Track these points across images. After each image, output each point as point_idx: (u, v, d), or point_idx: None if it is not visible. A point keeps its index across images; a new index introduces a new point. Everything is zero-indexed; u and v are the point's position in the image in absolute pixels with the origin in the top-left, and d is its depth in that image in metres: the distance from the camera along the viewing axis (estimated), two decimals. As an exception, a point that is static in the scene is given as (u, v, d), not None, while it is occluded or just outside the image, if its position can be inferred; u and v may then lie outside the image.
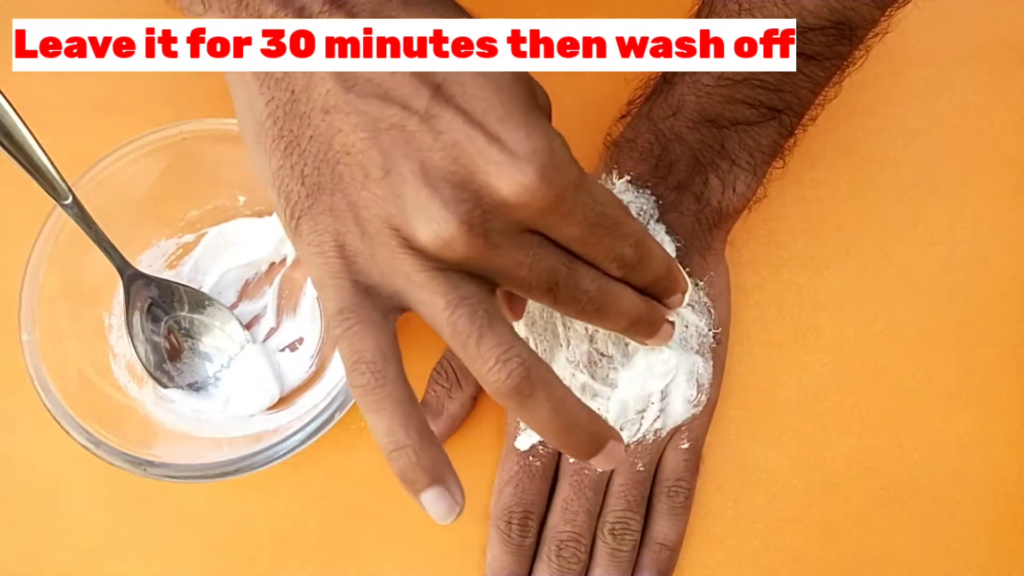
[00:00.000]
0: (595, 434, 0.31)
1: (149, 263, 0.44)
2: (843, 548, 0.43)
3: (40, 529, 0.43)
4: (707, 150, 0.41)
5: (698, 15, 0.42)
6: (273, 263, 0.46)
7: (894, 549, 0.43)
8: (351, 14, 0.29)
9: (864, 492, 0.43)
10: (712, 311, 0.42)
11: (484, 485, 0.43)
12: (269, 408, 0.43)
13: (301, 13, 0.30)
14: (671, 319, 0.36)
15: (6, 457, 0.43)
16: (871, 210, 0.47)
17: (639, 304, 0.34)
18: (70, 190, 0.39)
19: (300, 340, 0.45)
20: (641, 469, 0.41)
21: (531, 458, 0.41)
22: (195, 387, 0.44)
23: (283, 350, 0.45)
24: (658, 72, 0.43)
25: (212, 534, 0.42)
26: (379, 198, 0.29)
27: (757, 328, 0.45)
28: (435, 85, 0.28)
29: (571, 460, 0.41)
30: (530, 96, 0.30)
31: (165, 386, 0.43)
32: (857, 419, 0.44)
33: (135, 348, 0.42)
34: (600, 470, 0.39)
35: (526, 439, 0.41)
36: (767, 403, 0.44)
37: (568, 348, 0.41)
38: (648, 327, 0.35)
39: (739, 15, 0.39)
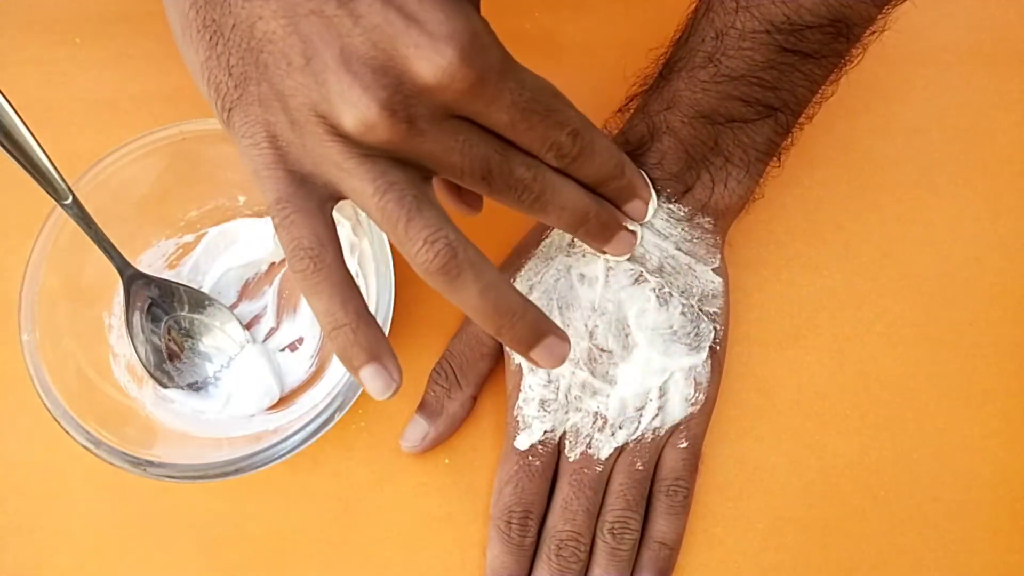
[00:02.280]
0: (532, 324, 0.31)
1: (149, 263, 0.44)
2: (843, 548, 0.43)
3: (40, 529, 0.43)
4: (700, 145, 0.41)
5: (695, 13, 0.42)
6: (273, 263, 0.46)
7: (894, 549, 0.43)
8: None
9: (864, 492, 0.43)
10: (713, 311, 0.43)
11: (484, 485, 0.43)
12: (269, 408, 0.43)
13: None
14: (630, 228, 0.35)
15: (6, 457, 0.43)
16: (871, 210, 0.47)
17: (585, 200, 0.34)
18: (70, 190, 0.39)
19: (300, 340, 0.45)
20: (640, 468, 0.41)
21: (531, 458, 0.41)
22: (195, 387, 0.44)
23: (283, 350, 0.45)
24: (656, 68, 0.43)
25: (212, 534, 0.42)
26: (303, 86, 0.29)
27: (757, 328, 0.45)
28: None
29: (571, 459, 0.41)
30: None
31: (165, 386, 0.43)
32: (857, 419, 0.44)
33: (135, 348, 0.43)
34: (548, 369, 0.37)
35: (526, 438, 0.41)
36: (767, 403, 0.44)
37: (568, 346, 0.41)
38: (600, 228, 0.35)
39: (736, 12, 0.39)
